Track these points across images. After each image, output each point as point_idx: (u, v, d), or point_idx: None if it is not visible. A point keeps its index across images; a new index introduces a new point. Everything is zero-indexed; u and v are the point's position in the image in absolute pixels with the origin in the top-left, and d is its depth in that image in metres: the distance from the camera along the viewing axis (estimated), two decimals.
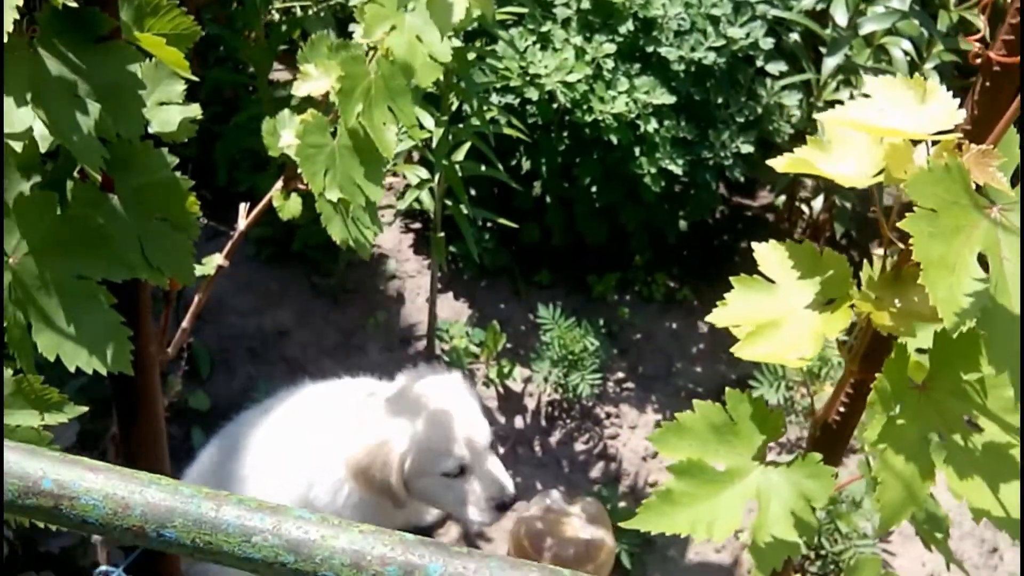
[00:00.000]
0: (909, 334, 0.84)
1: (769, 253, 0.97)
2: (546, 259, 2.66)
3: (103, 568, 1.56)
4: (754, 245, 1.00)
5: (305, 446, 1.86)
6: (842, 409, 1.04)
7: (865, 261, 0.97)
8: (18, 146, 1.01)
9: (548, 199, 2.48)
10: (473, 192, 2.53)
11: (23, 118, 1.02)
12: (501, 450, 2.32)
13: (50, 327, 1.06)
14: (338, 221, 1.53)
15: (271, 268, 2.54)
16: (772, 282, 0.96)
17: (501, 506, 1.71)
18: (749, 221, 2.94)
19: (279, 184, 1.62)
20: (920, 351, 0.88)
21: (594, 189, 2.41)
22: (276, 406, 1.97)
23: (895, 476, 0.86)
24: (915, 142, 0.84)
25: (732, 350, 0.94)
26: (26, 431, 1.03)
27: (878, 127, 0.82)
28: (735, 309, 0.96)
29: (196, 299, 1.63)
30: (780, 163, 0.91)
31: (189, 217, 1.22)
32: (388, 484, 1.74)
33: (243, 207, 1.69)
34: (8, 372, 1.05)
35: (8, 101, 1.01)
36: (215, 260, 1.67)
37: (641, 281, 2.67)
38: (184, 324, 1.64)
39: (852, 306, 0.90)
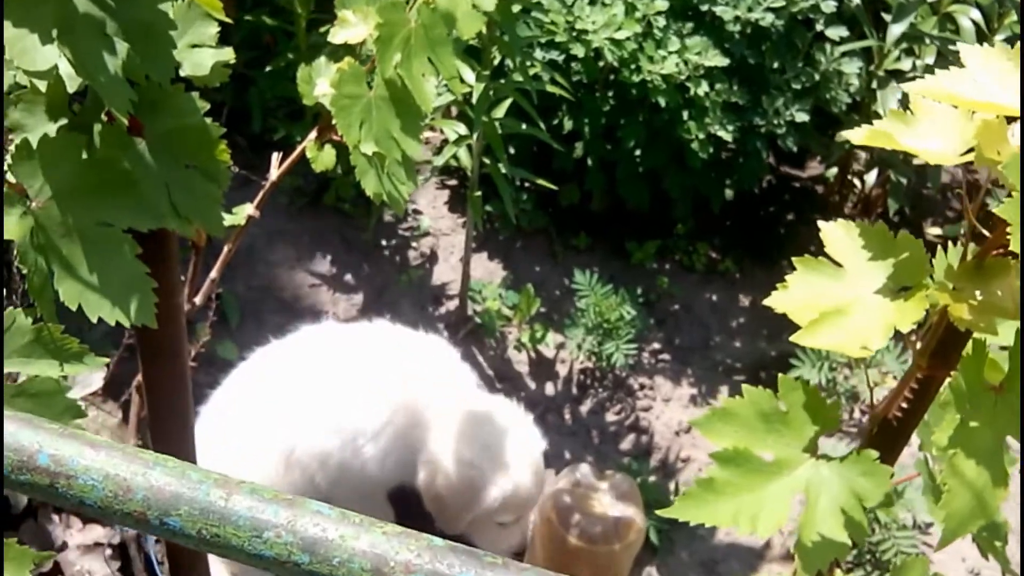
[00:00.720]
0: (990, 331, 0.77)
1: (837, 233, 0.90)
2: (585, 222, 2.59)
3: None
4: (821, 224, 0.93)
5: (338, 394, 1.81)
6: (904, 405, 0.97)
7: (940, 248, 0.90)
8: (43, 85, 0.96)
9: (589, 161, 2.40)
10: (512, 151, 2.46)
11: (48, 56, 0.96)
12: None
13: (72, 275, 1.02)
14: (372, 175, 1.47)
15: (303, 219, 2.49)
16: (839, 265, 0.89)
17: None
18: (797, 193, 2.84)
19: (313, 134, 1.56)
20: (1002, 348, 0.81)
21: (638, 153, 2.32)
22: (292, 346, 1.93)
23: (964, 484, 0.79)
24: (1010, 120, 0.76)
25: (793, 338, 0.88)
26: (46, 381, 0.99)
27: (972, 100, 0.75)
28: (797, 293, 0.89)
29: (226, 249, 1.59)
30: (858, 135, 0.84)
31: (219, 165, 1.16)
32: (455, 515, 1.69)
33: (275, 157, 1.64)
34: (28, 320, 1.01)
35: (32, 38, 0.96)
36: (246, 210, 1.63)
37: (682, 250, 2.60)
38: (213, 274, 1.60)
39: (926, 296, 0.83)
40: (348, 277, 2.44)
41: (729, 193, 2.51)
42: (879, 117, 2.40)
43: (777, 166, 2.85)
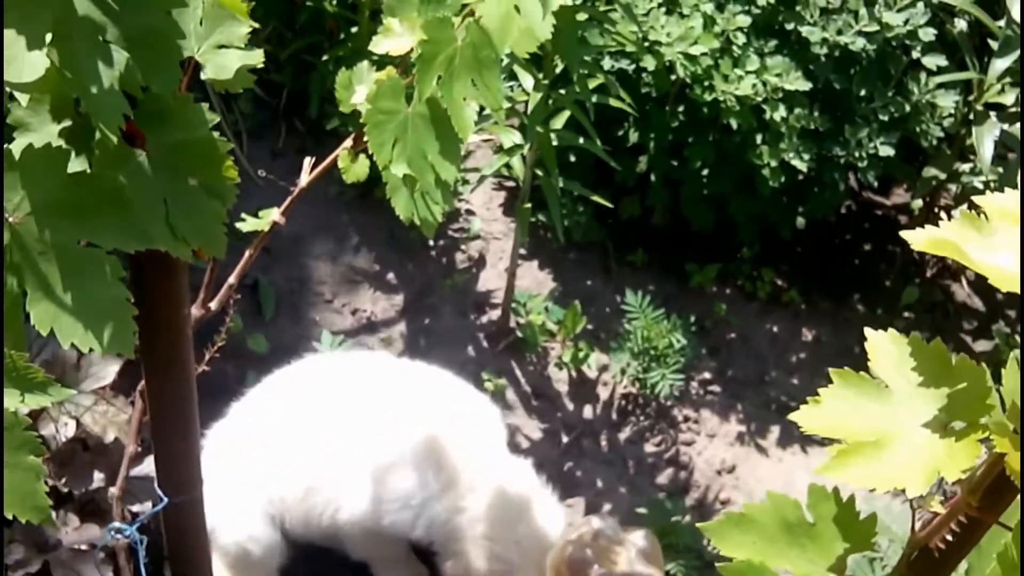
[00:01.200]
0: None
1: (885, 345, 0.77)
2: (643, 238, 2.46)
3: (115, 524, 1.50)
4: (867, 332, 0.80)
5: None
6: (949, 538, 0.84)
7: (1010, 366, 0.76)
8: (24, 99, 0.89)
9: (653, 177, 2.27)
10: (573, 159, 2.34)
11: (35, 65, 0.89)
12: (564, 439, 2.17)
13: (47, 296, 0.95)
14: (404, 195, 1.38)
15: (351, 212, 2.42)
16: (884, 385, 0.77)
17: None
18: (878, 221, 2.66)
19: (348, 142, 1.47)
20: None
21: (705, 173, 2.18)
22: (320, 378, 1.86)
23: None
24: None
25: (817, 470, 0.75)
26: (5, 414, 0.93)
27: None
28: (830, 411, 0.76)
29: (247, 254, 1.52)
30: (918, 240, 0.71)
31: (225, 182, 1.08)
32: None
33: (307, 162, 1.55)
34: None
35: (20, 43, 0.89)
36: (272, 215, 1.56)
37: (745, 275, 2.45)
38: (231, 280, 1.52)
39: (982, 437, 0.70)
40: (390, 276, 2.36)
41: (800, 221, 2.35)
42: (973, 154, 2.22)
43: (858, 191, 2.66)
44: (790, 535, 0.84)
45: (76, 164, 1.01)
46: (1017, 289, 0.65)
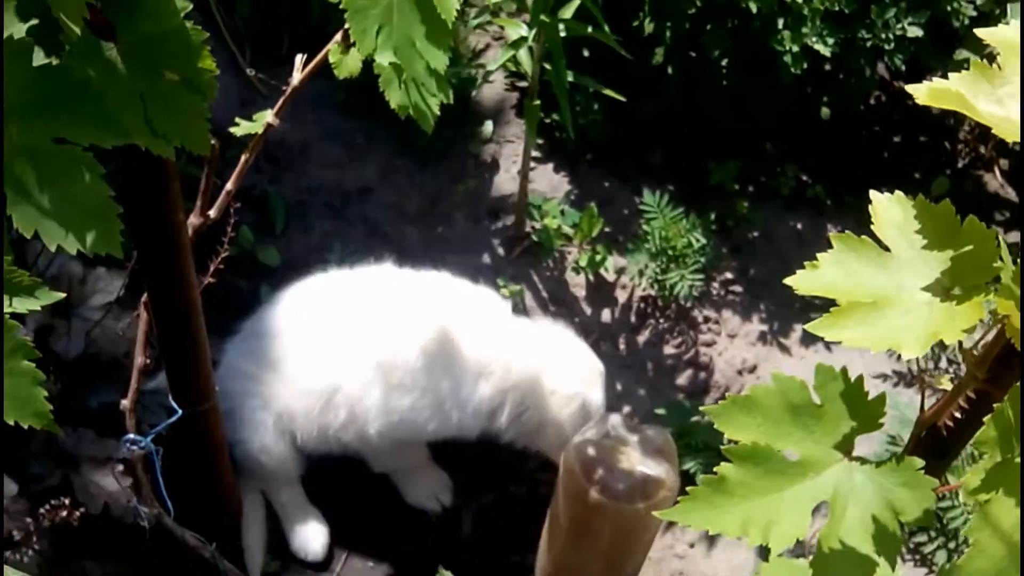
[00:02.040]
0: None
1: (889, 208, 0.72)
2: (661, 137, 2.38)
3: (130, 436, 1.50)
4: (872, 194, 0.75)
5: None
6: (957, 415, 0.79)
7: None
8: None
9: (670, 69, 2.17)
10: (586, 53, 2.25)
11: None
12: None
13: (25, 199, 0.91)
14: (397, 85, 1.32)
15: (359, 118, 2.35)
16: (886, 249, 0.72)
17: None
18: (908, 113, 2.54)
19: (338, 36, 1.41)
20: None
21: (724, 63, 2.08)
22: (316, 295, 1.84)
23: (997, 536, 0.63)
24: None
25: (808, 327, 0.71)
26: None
27: None
28: (828, 275, 0.72)
29: (243, 159, 1.48)
30: (921, 93, 0.65)
31: (204, 75, 1.03)
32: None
33: (299, 59, 1.50)
34: None
35: None
36: (265, 117, 1.51)
37: (768, 172, 2.36)
38: (229, 186, 1.49)
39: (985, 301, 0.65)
40: (402, 183, 2.31)
41: (826, 112, 2.25)
42: None
43: (890, 80, 2.54)
44: (796, 417, 0.80)
45: (40, 57, 0.97)
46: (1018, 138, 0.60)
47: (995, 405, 0.68)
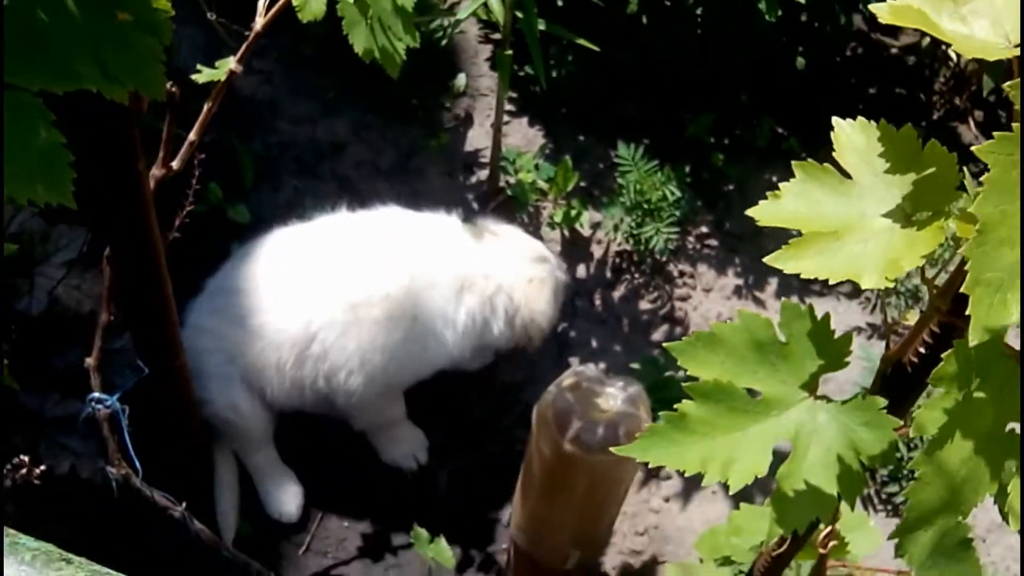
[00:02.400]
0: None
1: (852, 134, 0.70)
2: (636, 88, 2.34)
3: (95, 395, 1.47)
4: (834, 120, 0.73)
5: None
6: (922, 350, 0.78)
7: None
8: None
9: (644, 18, 2.14)
10: (560, 2, 2.21)
11: None
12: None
13: None
14: (364, 29, 1.29)
15: (330, 72, 2.30)
16: (847, 177, 0.70)
17: None
18: (885, 63, 2.52)
19: None
20: None
21: (699, 11, 2.05)
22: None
23: (942, 473, 0.62)
24: None
25: (767, 260, 0.70)
26: None
27: None
28: (788, 205, 0.70)
29: (205, 107, 1.43)
30: (883, 11, 0.63)
31: (157, 16, 0.99)
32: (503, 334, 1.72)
33: (261, 3, 1.45)
34: None
35: None
36: (228, 64, 1.46)
37: (743, 124, 2.34)
38: (191, 136, 1.44)
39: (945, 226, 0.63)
40: (374, 138, 2.27)
41: (801, 62, 2.22)
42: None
43: (869, 31, 2.52)
44: (760, 354, 0.79)
45: None
46: (989, 56, 0.58)
47: (955, 342, 0.67)
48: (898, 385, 0.80)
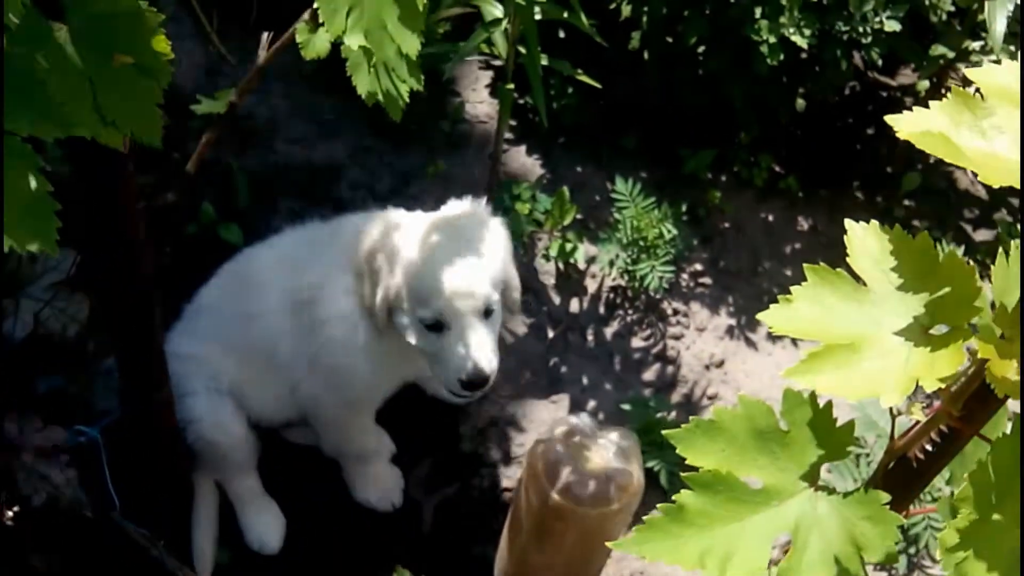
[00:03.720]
0: None
1: (866, 239, 0.69)
2: (636, 122, 2.34)
3: (77, 427, 1.45)
4: (848, 223, 0.72)
5: (321, 279, 1.68)
6: (928, 448, 0.77)
7: (1000, 261, 0.67)
8: None
9: (646, 55, 2.13)
10: (562, 35, 2.20)
11: None
12: (550, 334, 2.11)
13: None
14: (366, 71, 1.27)
15: (329, 94, 2.28)
16: (862, 283, 0.69)
17: (469, 385, 1.51)
18: (882, 103, 2.52)
19: (306, 14, 1.35)
20: None
21: (700, 51, 2.04)
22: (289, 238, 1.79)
23: None
24: None
25: (784, 374, 0.69)
26: None
27: None
28: (801, 311, 0.69)
29: (204, 139, 1.42)
30: (904, 127, 0.61)
31: (158, 59, 0.97)
32: (374, 297, 1.56)
33: (265, 37, 1.44)
34: None
35: None
36: (229, 95, 1.45)
37: (741, 161, 2.34)
38: (188, 167, 1.44)
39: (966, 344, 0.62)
40: (371, 163, 2.25)
41: (800, 103, 2.22)
42: (985, 31, 2.08)
43: (864, 70, 2.52)
44: (761, 442, 0.78)
45: None
46: (1016, 183, 0.56)
47: (976, 432, 0.66)
48: (902, 479, 0.79)
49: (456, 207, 1.70)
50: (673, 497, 0.78)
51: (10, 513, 1.16)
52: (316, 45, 1.32)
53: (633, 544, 0.75)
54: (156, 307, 1.38)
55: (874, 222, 0.69)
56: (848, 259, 0.68)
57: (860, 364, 0.62)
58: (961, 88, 0.61)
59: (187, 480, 1.70)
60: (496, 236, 1.64)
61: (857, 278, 0.67)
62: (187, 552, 1.67)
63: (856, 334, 0.64)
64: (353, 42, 1.14)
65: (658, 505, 0.77)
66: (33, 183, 0.87)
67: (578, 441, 1.38)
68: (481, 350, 1.51)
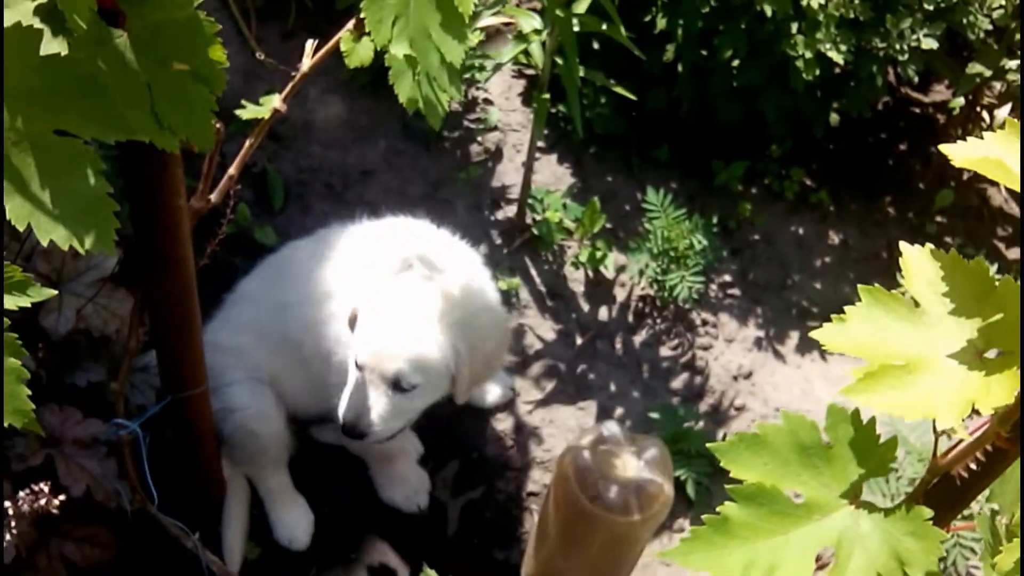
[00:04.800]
0: None
1: (921, 262, 0.70)
2: (668, 133, 2.35)
3: (118, 420, 1.48)
4: (903, 246, 0.73)
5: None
6: (973, 467, 0.78)
7: None
8: None
9: (680, 67, 2.14)
10: (596, 46, 2.22)
11: None
12: (579, 341, 2.12)
13: (21, 191, 0.88)
14: (409, 79, 1.29)
15: (364, 99, 2.31)
16: (916, 305, 0.70)
17: (343, 429, 1.55)
18: (915, 120, 2.53)
19: (351, 23, 1.37)
20: None
21: (735, 64, 2.05)
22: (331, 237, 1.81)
23: None
24: None
25: (842, 391, 0.70)
26: None
27: None
28: (856, 331, 0.70)
29: (247, 143, 1.44)
30: (957, 155, 0.63)
31: (214, 67, 1.00)
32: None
33: (309, 45, 1.46)
34: None
35: None
36: (272, 101, 1.47)
37: (773, 174, 2.34)
38: (231, 171, 1.45)
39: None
40: (403, 167, 2.27)
41: (834, 118, 2.22)
42: (1020, 50, 2.08)
43: (896, 87, 2.52)
44: (804, 457, 0.79)
45: (55, 46, 0.93)
46: None
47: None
48: (945, 497, 0.80)
49: (474, 276, 1.67)
50: (718, 509, 0.79)
51: (56, 501, 1.19)
52: (360, 53, 1.34)
53: (678, 554, 0.76)
54: (197, 305, 1.41)
55: (929, 245, 0.70)
56: (903, 281, 0.69)
57: (915, 385, 0.64)
58: (1014, 120, 0.62)
59: (220, 475, 1.73)
60: (470, 331, 1.58)
61: (912, 302, 0.68)
62: (217, 547, 1.69)
63: (911, 355, 0.65)
64: (399, 51, 1.16)
65: (703, 516, 0.78)
66: (94, 185, 0.90)
67: (609, 449, 1.39)
68: (360, 409, 1.54)
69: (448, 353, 1.55)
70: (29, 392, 0.88)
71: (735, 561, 0.78)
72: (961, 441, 0.78)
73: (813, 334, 0.70)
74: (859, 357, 0.68)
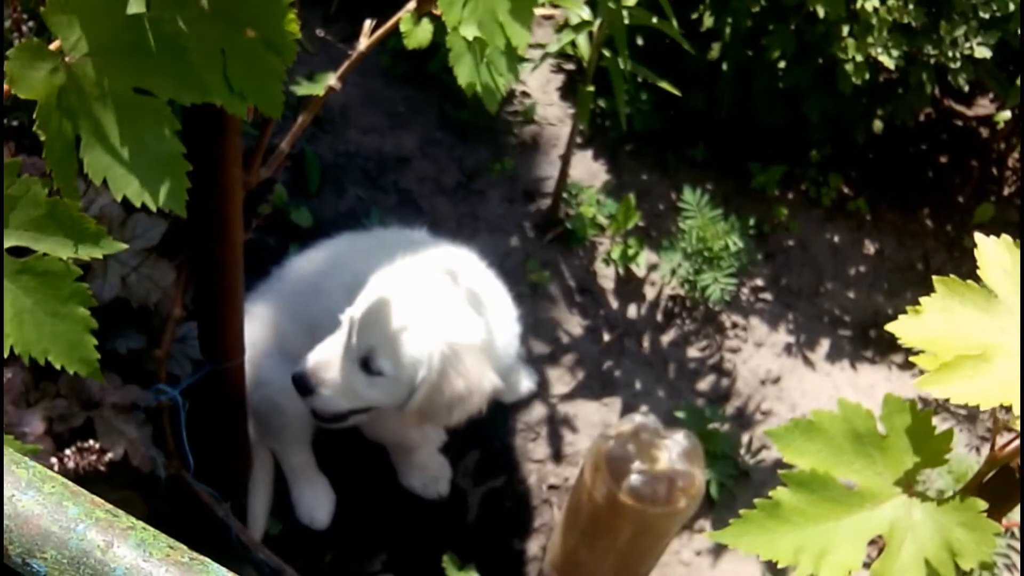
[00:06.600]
0: None
1: (996, 252, 0.70)
2: (706, 133, 2.35)
3: (160, 386, 1.49)
4: (977, 236, 0.73)
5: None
6: None
7: None
8: None
9: (725, 66, 2.14)
10: (640, 42, 2.22)
11: None
12: (606, 338, 2.12)
13: (102, 145, 0.89)
14: (468, 62, 1.29)
15: (402, 86, 2.32)
16: (993, 294, 0.70)
17: (296, 379, 1.53)
18: (957, 133, 2.52)
19: (411, 4, 1.38)
20: None
21: (781, 65, 2.05)
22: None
23: None
24: None
25: (916, 383, 0.69)
26: (54, 261, 0.88)
27: None
28: (932, 322, 0.70)
29: (300, 119, 1.45)
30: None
31: (286, 37, 1.00)
32: None
33: (367, 24, 1.47)
34: (43, 191, 0.89)
35: None
36: (328, 80, 1.48)
37: (811, 180, 2.34)
38: (283, 145, 1.46)
39: None
40: (439, 155, 2.28)
41: (878, 125, 2.22)
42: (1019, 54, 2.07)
43: (940, 98, 2.51)
44: (859, 446, 0.79)
45: (135, 6, 0.94)
46: None
47: None
48: (1001, 489, 0.80)
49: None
50: (770, 493, 0.79)
51: (106, 459, 1.20)
52: (418, 35, 1.34)
53: (730, 536, 0.77)
54: (242, 275, 1.41)
55: (1005, 236, 0.70)
56: (978, 271, 0.69)
57: (991, 373, 0.64)
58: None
59: (248, 448, 1.73)
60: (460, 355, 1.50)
61: (987, 292, 0.68)
62: (242, 519, 1.70)
63: (987, 344, 0.65)
64: (468, 33, 1.16)
65: (755, 500, 0.78)
66: (170, 142, 0.90)
67: (642, 439, 1.39)
68: (323, 364, 1.50)
69: (425, 362, 1.47)
70: (95, 342, 0.89)
71: (786, 545, 0.78)
72: (1021, 434, 0.78)
73: (889, 326, 0.70)
74: (932, 349, 0.68)
